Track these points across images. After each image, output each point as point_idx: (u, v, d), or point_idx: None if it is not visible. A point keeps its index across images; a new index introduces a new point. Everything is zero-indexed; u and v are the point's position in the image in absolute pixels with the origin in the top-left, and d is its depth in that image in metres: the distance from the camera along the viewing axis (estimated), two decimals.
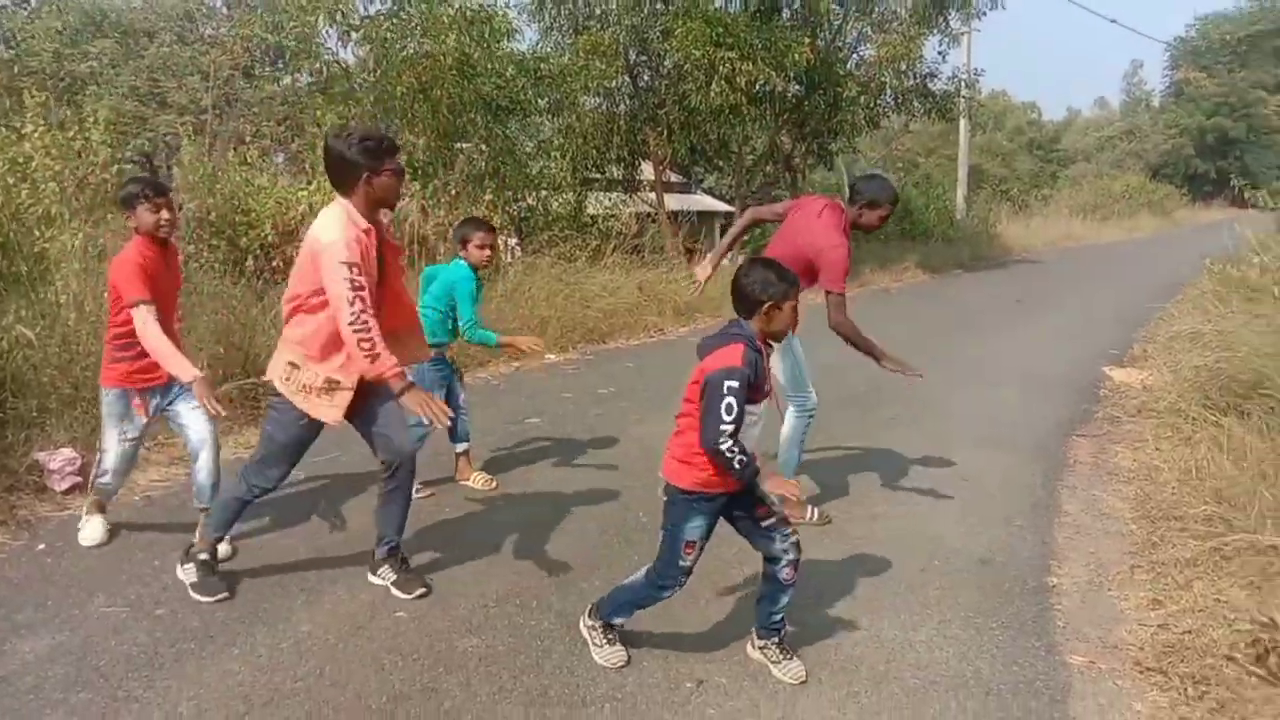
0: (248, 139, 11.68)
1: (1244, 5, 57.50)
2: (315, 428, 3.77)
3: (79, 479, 5.06)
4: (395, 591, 3.91)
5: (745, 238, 5.47)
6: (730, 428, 2.93)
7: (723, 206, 20.44)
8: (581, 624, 3.45)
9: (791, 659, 3.35)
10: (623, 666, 3.35)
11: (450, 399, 5.29)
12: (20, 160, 7.47)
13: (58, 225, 7.12)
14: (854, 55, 17.76)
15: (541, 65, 13.06)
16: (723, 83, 13.82)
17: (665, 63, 15.73)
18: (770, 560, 3.27)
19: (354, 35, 11.67)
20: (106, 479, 4.45)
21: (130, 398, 4.28)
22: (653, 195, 16.80)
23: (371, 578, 4.02)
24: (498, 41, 12.04)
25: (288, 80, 13.93)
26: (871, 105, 17.25)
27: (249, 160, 10.19)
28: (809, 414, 4.92)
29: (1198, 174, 53.94)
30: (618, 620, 3.38)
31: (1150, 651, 3.60)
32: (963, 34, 19.42)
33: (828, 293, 4.62)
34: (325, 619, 3.70)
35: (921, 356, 9.70)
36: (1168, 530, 4.72)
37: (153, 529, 4.61)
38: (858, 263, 17.83)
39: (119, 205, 4.34)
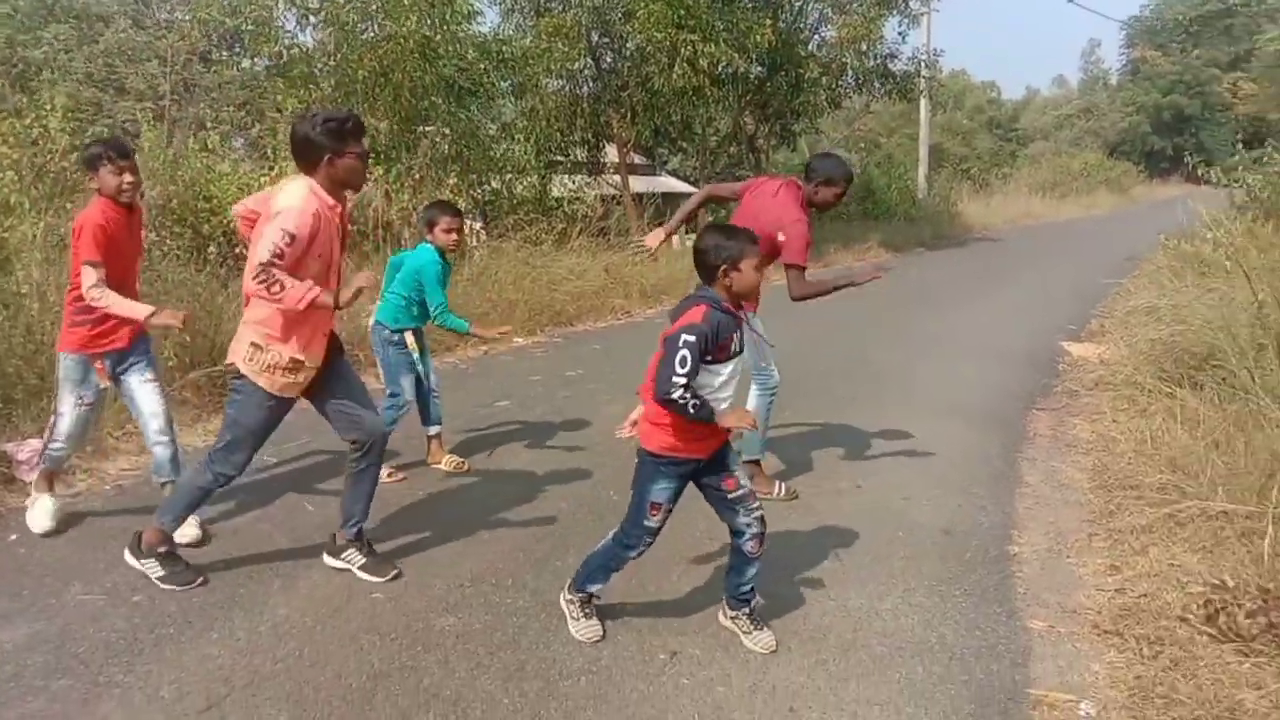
0: (208, 125, 11.54)
1: None
2: (281, 410, 3.80)
3: None
4: (366, 575, 3.93)
5: (702, 212, 5.55)
6: (682, 379, 2.99)
7: (687, 188, 20.48)
8: (561, 599, 3.53)
9: (762, 629, 3.44)
10: (597, 640, 3.42)
11: (421, 382, 5.33)
12: None
13: (17, 214, 7.03)
14: (815, 36, 17.90)
15: (504, 48, 13.01)
16: (685, 65, 13.86)
17: (628, 45, 15.74)
18: (735, 534, 3.36)
19: (313, 19, 11.57)
20: (59, 445, 4.44)
21: (90, 362, 4.28)
22: (617, 178, 16.82)
23: (332, 560, 4.02)
24: (459, 24, 11.98)
25: (246, 64, 13.76)
26: (833, 86, 17.40)
27: (210, 146, 10.09)
28: (771, 391, 5.01)
29: (1155, 151, 54.66)
30: (593, 588, 3.45)
31: (1107, 615, 3.72)
32: (922, 15, 19.55)
33: (788, 267, 4.71)
34: (302, 602, 3.74)
35: (884, 332, 9.97)
36: (1124, 499, 4.86)
37: (126, 516, 4.60)
38: (821, 242, 17.97)
39: (82, 166, 4.34)
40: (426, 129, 11.76)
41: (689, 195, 20.05)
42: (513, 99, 14.38)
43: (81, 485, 5.12)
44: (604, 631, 3.47)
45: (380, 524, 4.43)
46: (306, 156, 3.62)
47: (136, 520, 4.49)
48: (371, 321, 5.30)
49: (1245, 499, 4.27)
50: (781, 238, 4.67)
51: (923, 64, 19.09)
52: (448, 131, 11.88)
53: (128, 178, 4.14)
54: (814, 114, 18.43)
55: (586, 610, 3.48)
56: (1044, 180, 38.24)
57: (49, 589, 3.85)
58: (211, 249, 8.72)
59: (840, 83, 17.58)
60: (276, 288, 3.44)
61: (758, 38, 14.38)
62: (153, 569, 3.86)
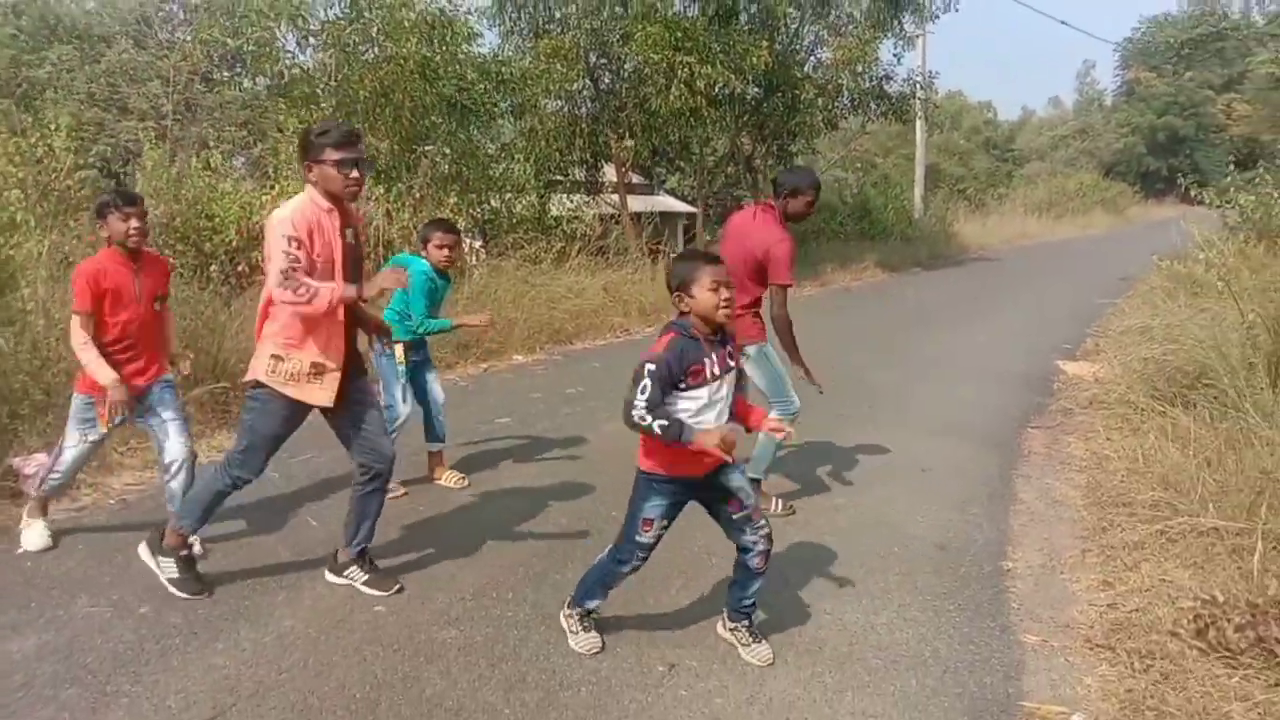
0: (210, 144, 11.65)
1: (1185, 8, 58.92)
2: (299, 417, 3.85)
3: None
4: (369, 590, 3.99)
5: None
6: (642, 405, 3.06)
7: (685, 207, 20.60)
8: (562, 616, 3.59)
9: (759, 642, 3.50)
10: (597, 652, 3.48)
11: (427, 399, 5.40)
12: None
13: (22, 232, 7.10)
14: (811, 58, 18.05)
15: (503, 68, 13.14)
16: (682, 86, 14.00)
17: (625, 66, 15.89)
18: (742, 550, 3.41)
19: (313, 40, 11.69)
20: (58, 477, 4.52)
21: (98, 406, 4.32)
22: (615, 197, 16.94)
23: (333, 577, 4.07)
24: (459, 45, 12.11)
25: (248, 85, 13.89)
26: (829, 107, 17.54)
27: (212, 165, 10.19)
28: (791, 417, 5.06)
29: (1150, 171, 54.97)
30: (591, 604, 3.50)
31: (1100, 629, 3.78)
32: (917, 37, 19.75)
33: (776, 286, 4.80)
34: (306, 614, 3.79)
35: (880, 351, 10.05)
36: (1117, 516, 4.93)
37: (130, 531, 4.65)
38: (818, 261, 18.11)
39: (94, 215, 4.40)
40: (427, 149, 11.87)
41: (685, 214, 20.21)
42: (512, 119, 14.50)
43: (87, 500, 5.18)
44: (603, 644, 3.52)
45: (383, 539, 4.48)
46: (300, 162, 3.84)
47: (140, 533, 4.56)
48: None
49: (1235, 516, 4.34)
50: (772, 254, 4.78)
51: (918, 85, 19.26)
52: (448, 151, 11.99)
53: (134, 224, 4.21)
54: (810, 134, 18.58)
55: (585, 624, 3.53)
56: (1040, 200, 38.46)
57: (56, 601, 3.90)
58: (213, 267, 8.80)
59: (836, 104, 17.72)
60: (304, 290, 3.53)
61: (754, 59, 14.53)
62: (168, 569, 3.94)
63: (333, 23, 11.59)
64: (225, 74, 14.71)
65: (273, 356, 3.73)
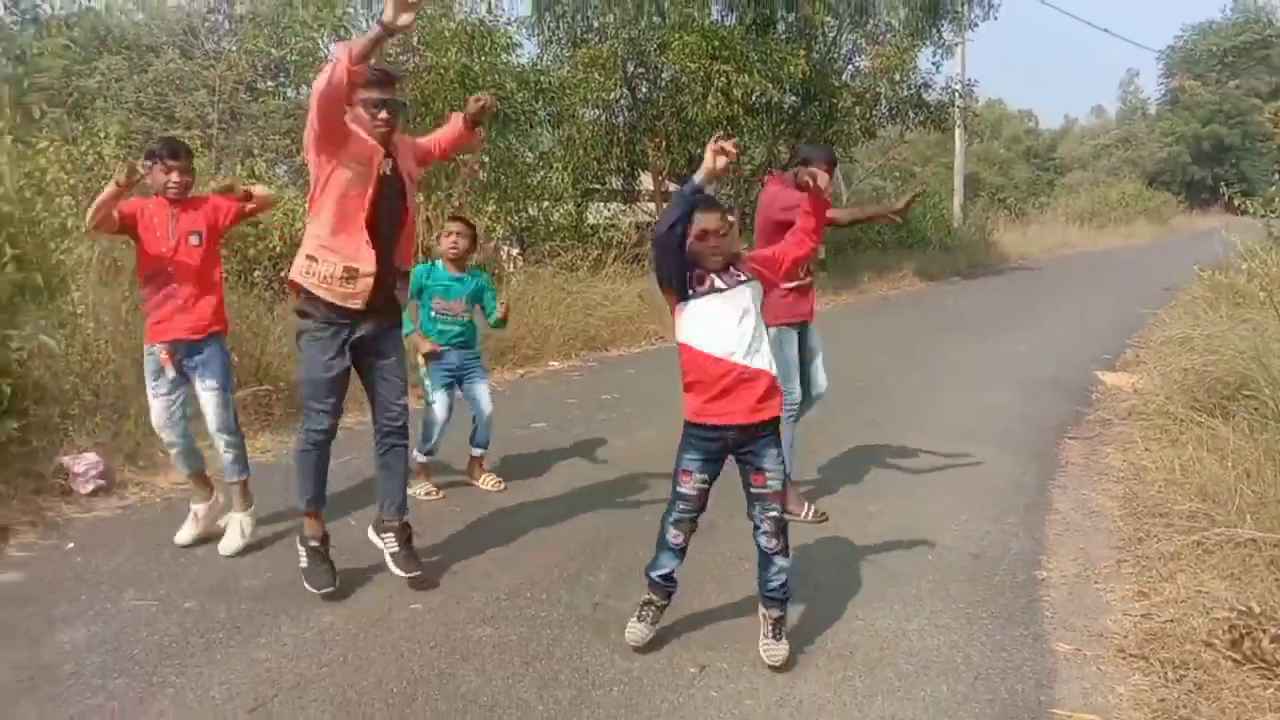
0: (255, 152, 11.86)
1: (1229, 16, 58.02)
2: (339, 354, 3.93)
3: (103, 482, 5.25)
4: (392, 565, 4.07)
5: None
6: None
7: None
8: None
9: (777, 640, 3.48)
10: (637, 646, 3.54)
11: (476, 403, 5.49)
12: (35, 174, 7.63)
13: (73, 237, 7.28)
14: (849, 66, 18.00)
15: (542, 78, 13.26)
16: (719, 95, 14.04)
17: (663, 75, 15.95)
18: (754, 526, 3.48)
19: None
20: (164, 439, 4.66)
21: (158, 353, 4.47)
22: (652, 205, 17.00)
23: (373, 535, 4.22)
24: (498, 55, 12.25)
25: (292, 94, 14.11)
26: (867, 116, 17.49)
27: (256, 173, 10.37)
28: (790, 410, 5.07)
29: (1195, 181, 54.15)
30: (656, 573, 3.55)
31: (1133, 639, 3.77)
32: (956, 45, 19.65)
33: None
34: (346, 611, 3.88)
35: (918, 359, 10.04)
36: (1153, 526, 4.90)
37: (177, 528, 4.77)
38: (856, 270, 18.06)
39: (144, 157, 4.54)
40: (465, 157, 12.00)
41: None
42: (550, 128, 14.62)
43: (133, 498, 5.32)
44: (647, 640, 3.57)
45: (421, 539, 4.56)
46: None
47: None
48: None
49: (1274, 527, 4.31)
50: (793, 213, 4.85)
51: (956, 94, 19.16)
52: (486, 160, 12.11)
53: (174, 177, 4.38)
54: (848, 143, 18.52)
55: (642, 614, 3.59)
56: (1082, 210, 37.99)
57: (105, 595, 4.02)
58: (257, 273, 8.96)
59: (874, 112, 17.68)
60: (331, 65, 3.58)
61: (791, 68, 14.55)
62: (301, 558, 4.06)
63: None
64: (269, 83, 14.94)
65: (308, 257, 3.88)
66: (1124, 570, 4.48)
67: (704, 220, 3.33)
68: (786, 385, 5.03)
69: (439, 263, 5.42)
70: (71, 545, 4.60)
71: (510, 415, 7.45)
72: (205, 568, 4.35)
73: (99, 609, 3.88)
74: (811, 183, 3.44)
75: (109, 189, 4.16)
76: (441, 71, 11.23)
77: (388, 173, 3.92)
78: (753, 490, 3.44)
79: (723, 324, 3.36)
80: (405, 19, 3.50)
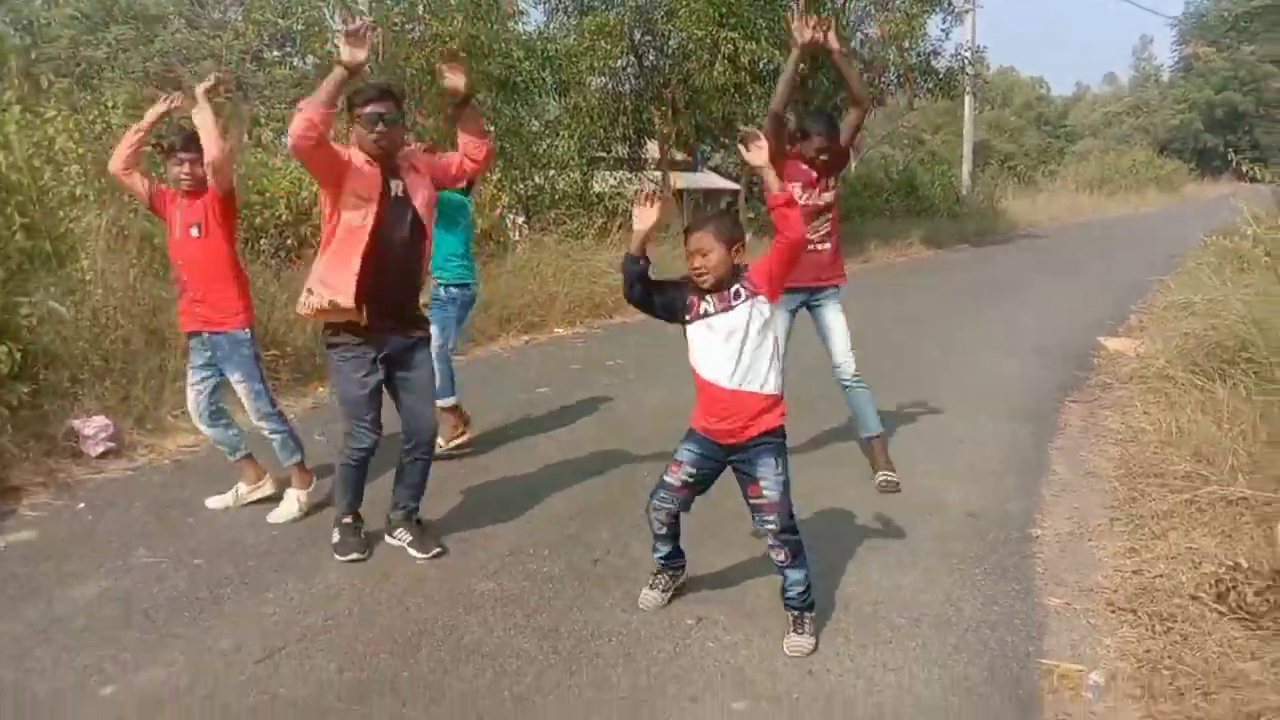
0: (261, 121, 11.90)
1: None
2: (369, 371, 3.98)
3: (112, 444, 5.35)
4: (412, 551, 4.13)
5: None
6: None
7: (729, 184, 20.61)
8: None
9: (801, 634, 3.42)
10: (647, 609, 3.62)
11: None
12: (44, 143, 7.69)
13: (81, 206, 7.35)
14: (857, 34, 17.89)
15: (549, 45, 13.24)
16: (726, 62, 14.01)
17: (669, 43, 15.91)
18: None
19: (360, 19, 11.86)
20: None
21: (191, 341, 4.59)
22: (659, 174, 17.00)
23: (388, 538, 4.24)
24: (504, 22, 12.23)
25: (297, 63, 14.14)
26: (875, 83, 17.39)
27: (262, 143, 10.41)
28: None
29: (1207, 149, 53.72)
30: (657, 555, 3.65)
31: (1123, 594, 3.84)
32: (966, 12, 19.49)
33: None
34: (352, 568, 3.98)
35: (924, 327, 10.06)
36: (1148, 486, 4.95)
37: (185, 489, 4.88)
38: (862, 237, 18.03)
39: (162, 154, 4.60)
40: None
41: (729, 191, 20.22)
42: (556, 96, 14.61)
43: (142, 460, 5.43)
44: (659, 605, 3.64)
45: (426, 499, 4.64)
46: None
47: (195, 492, 4.81)
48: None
49: (1265, 486, 4.35)
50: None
51: (966, 61, 19.04)
52: (492, 129, 12.13)
53: (184, 169, 4.39)
54: None
55: (654, 582, 3.69)
56: (1092, 178, 37.82)
57: (115, 552, 4.12)
58: (264, 241, 9.03)
59: (882, 80, 17.60)
60: (303, 109, 3.65)
61: None
62: (334, 535, 4.15)
63: (380, 2, 11.76)
64: (275, 53, 14.97)
65: (307, 289, 3.95)
66: (1117, 528, 4.54)
67: (687, 242, 3.37)
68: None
69: None
70: (82, 505, 4.70)
71: (514, 380, 7.55)
72: (214, 527, 4.45)
73: (110, 566, 3.99)
74: (746, 149, 3.45)
75: (133, 128, 4.33)
76: (447, 40, 11.22)
77: (399, 195, 3.93)
78: (750, 501, 3.42)
79: (709, 350, 3.35)
80: (361, 55, 3.62)
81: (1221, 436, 5.11)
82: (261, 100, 13.45)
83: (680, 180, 17.94)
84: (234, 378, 4.52)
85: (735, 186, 19.36)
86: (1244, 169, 12.17)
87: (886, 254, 17.98)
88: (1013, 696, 3.13)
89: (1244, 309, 6.58)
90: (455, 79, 4.05)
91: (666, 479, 3.49)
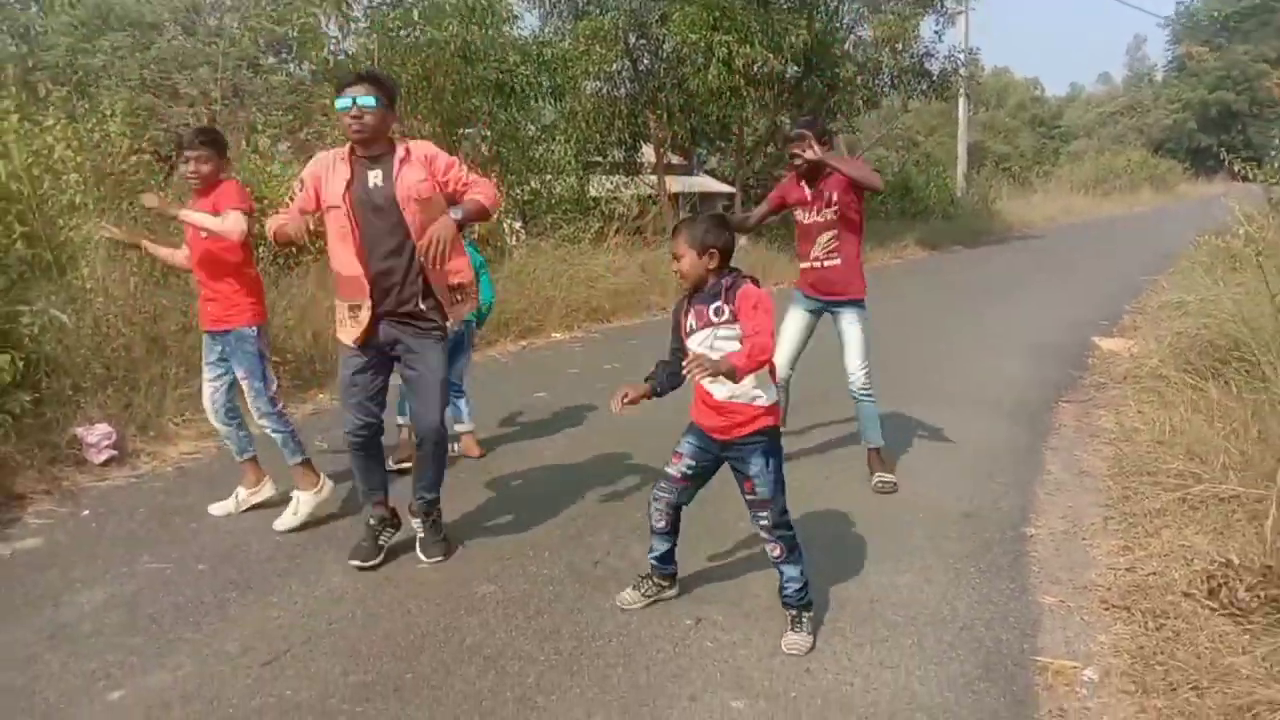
0: (258, 128, 11.94)
1: None
2: (361, 366, 4.01)
3: (115, 452, 5.39)
4: (418, 549, 4.19)
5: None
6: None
7: (724, 188, 20.66)
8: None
9: (799, 632, 3.47)
10: (628, 608, 3.67)
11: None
12: (42, 152, 7.73)
13: (81, 214, 7.39)
14: (851, 36, 17.96)
15: (544, 49, 13.29)
16: (721, 66, 14.05)
17: (664, 47, 15.97)
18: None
19: (353, 26, 11.91)
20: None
21: (205, 338, 4.63)
22: (654, 177, 17.05)
23: (411, 519, 4.26)
24: (499, 27, 12.28)
25: (294, 69, 14.18)
26: (869, 86, 17.48)
27: (260, 149, 10.46)
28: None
29: (1201, 148, 53.81)
30: (651, 554, 3.67)
31: (1116, 591, 3.89)
32: (959, 14, 19.57)
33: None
34: (354, 571, 4.01)
35: (919, 328, 10.12)
36: (1141, 485, 5.01)
37: (187, 495, 4.92)
38: None
39: None
40: (468, 131, 12.07)
41: (725, 194, 20.28)
42: (552, 101, 14.66)
43: (145, 467, 5.47)
44: (634, 607, 3.69)
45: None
46: None
47: (198, 499, 4.85)
48: None
49: (1256, 483, 4.41)
50: None
51: (960, 63, 19.11)
52: (488, 134, 12.18)
53: (189, 166, 4.39)
54: (850, 113, 18.53)
55: (639, 584, 3.73)
56: (1086, 178, 37.95)
57: (121, 559, 4.17)
58: (261, 249, 9.06)
59: (876, 82, 17.68)
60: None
61: (793, 38, 14.54)
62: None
63: (375, 8, 11.81)
64: (271, 60, 15.00)
65: (336, 307, 4.05)
66: (1110, 527, 4.60)
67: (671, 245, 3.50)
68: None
69: None
70: (87, 512, 4.75)
71: (512, 385, 7.60)
72: (217, 533, 4.49)
73: (115, 572, 4.03)
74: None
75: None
76: (442, 45, 11.27)
77: (376, 184, 3.84)
78: (745, 497, 3.48)
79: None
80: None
81: (1213, 435, 5.16)
82: (258, 107, 13.47)
83: (676, 184, 17.99)
84: (239, 373, 4.54)
85: (731, 190, 19.42)
86: (1237, 168, 12.26)
87: (882, 256, 18.03)
88: (1008, 693, 3.18)
89: (1236, 308, 6.64)
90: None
91: (668, 470, 3.56)
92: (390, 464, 5.37)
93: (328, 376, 7.19)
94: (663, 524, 3.61)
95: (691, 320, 3.42)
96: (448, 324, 4.09)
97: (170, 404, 5.95)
